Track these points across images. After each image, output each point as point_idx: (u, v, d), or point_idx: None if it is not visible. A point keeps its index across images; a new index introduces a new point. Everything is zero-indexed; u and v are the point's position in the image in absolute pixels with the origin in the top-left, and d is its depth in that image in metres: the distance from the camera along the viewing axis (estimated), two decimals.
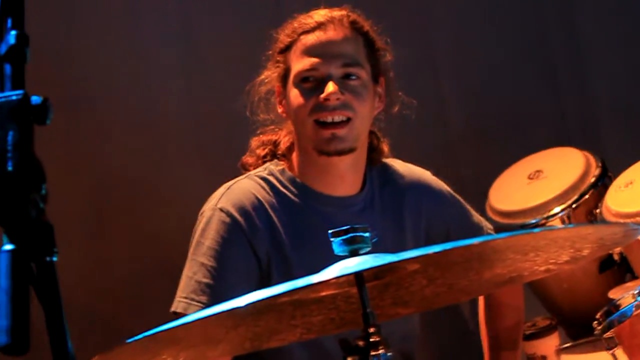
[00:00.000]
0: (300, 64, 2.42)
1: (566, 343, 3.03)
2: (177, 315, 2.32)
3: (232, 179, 2.51)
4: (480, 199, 3.28)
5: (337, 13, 2.47)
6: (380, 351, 1.65)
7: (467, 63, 4.00)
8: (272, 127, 2.56)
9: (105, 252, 3.22)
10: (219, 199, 2.44)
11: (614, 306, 2.33)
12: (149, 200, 3.31)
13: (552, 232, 1.95)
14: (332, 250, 1.70)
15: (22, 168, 1.15)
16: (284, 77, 2.46)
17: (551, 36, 4.16)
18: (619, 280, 3.10)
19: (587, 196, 3.15)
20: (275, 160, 2.53)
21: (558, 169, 3.27)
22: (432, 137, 3.80)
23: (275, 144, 2.55)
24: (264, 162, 2.54)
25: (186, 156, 3.40)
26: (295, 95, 2.42)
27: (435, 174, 2.70)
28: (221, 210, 2.41)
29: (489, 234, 2.69)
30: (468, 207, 2.70)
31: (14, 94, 1.18)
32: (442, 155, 3.84)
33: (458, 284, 1.87)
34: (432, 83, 3.93)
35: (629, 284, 2.93)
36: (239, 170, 2.58)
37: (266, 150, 2.55)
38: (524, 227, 3.15)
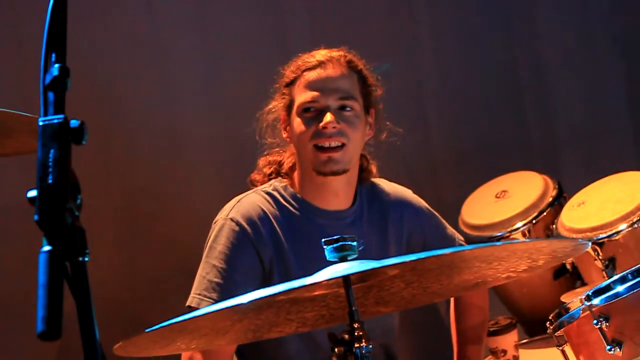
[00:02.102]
0: (302, 96, 2.42)
1: (524, 339, 3.02)
2: (191, 309, 2.29)
3: (242, 193, 2.51)
4: (455, 213, 3.28)
5: (335, 53, 2.47)
6: (363, 344, 1.65)
7: (449, 97, 4.00)
8: (277, 149, 2.56)
9: (131, 254, 3.21)
10: (230, 210, 2.44)
11: (564, 309, 2.32)
12: (171, 210, 3.29)
13: (512, 245, 1.95)
14: (324, 256, 1.70)
15: (61, 181, 1.15)
16: (289, 107, 2.46)
17: (520, 76, 4.16)
18: (571, 286, 3.10)
19: (545, 213, 3.15)
20: (279, 177, 2.53)
21: (521, 190, 3.27)
22: (415, 160, 3.80)
23: (280, 163, 2.55)
24: (270, 179, 2.54)
25: (204, 173, 3.39)
26: (298, 123, 2.42)
27: (417, 191, 2.70)
28: (232, 220, 2.40)
29: (460, 244, 2.68)
30: (443, 220, 2.69)
31: (56, 118, 1.18)
32: (424, 176, 3.84)
33: (431, 287, 1.86)
34: (418, 113, 3.92)
35: (578, 290, 2.92)
36: (248, 185, 2.58)
37: (272, 169, 2.55)
38: (491, 239, 3.15)
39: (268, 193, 2.47)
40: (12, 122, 1.94)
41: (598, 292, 2.23)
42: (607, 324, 2.20)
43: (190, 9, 3.48)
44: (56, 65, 1.22)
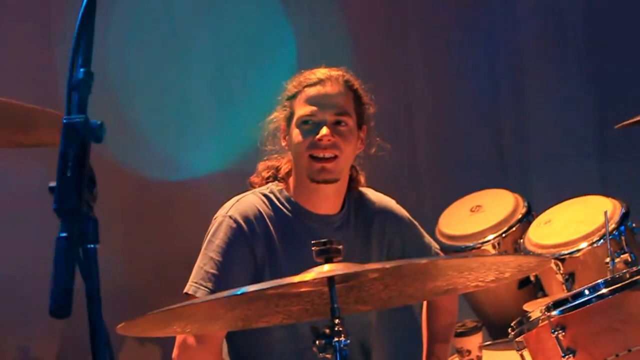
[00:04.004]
0: (302, 109, 2.42)
1: (487, 341, 3.03)
2: (188, 296, 2.31)
3: (242, 193, 2.51)
4: (434, 223, 3.29)
5: (334, 72, 2.47)
6: (342, 338, 1.65)
7: (435, 119, 4.01)
8: (276, 155, 2.54)
9: (138, 244, 3.20)
10: (230, 208, 2.43)
11: (525, 317, 2.32)
12: (176, 205, 3.29)
13: (482, 258, 1.95)
14: (312, 256, 1.71)
15: (79, 175, 1.15)
16: (289, 119, 2.45)
17: (500, 103, 4.18)
18: (533, 296, 3.11)
19: (514, 229, 3.16)
20: (276, 181, 2.52)
21: (494, 206, 3.28)
22: (401, 173, 3.81)
23: (277, 169, 2.54)
24: (267, 182, 2.53)
25: (208, 172, 3.39)
26: (296, 134, 2.41)
27: (401, 201, 2.70)
28: (230, 217, 2.40)
29: (436, 253, 2.68)
30: (422, 230, 2.69)
31: (78, 118, 1.19)
32: (409, 187, 3.85)
33: (407, 291, 1.86)
34: (407, 131, 3.93)
35: (540, 300, 2.93)
36: (247, 186, 2.58)
37: (269, 173, 2.54)
38: (465, 248, 3.16)
39: (265, 195, 2.47)
40: (38, 116, 1.93)
41: (557, 304, 2.24)
42: (564, 333, 2.21)
43: (207, 21, 3.48)
44: (82, 70, 1.22)
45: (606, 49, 4.40)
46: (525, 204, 3.26)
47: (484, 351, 2.83)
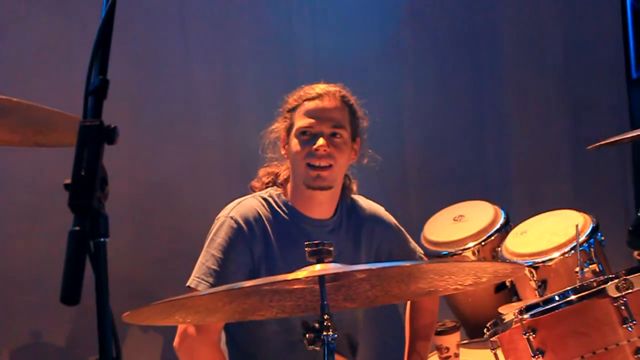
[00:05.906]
0: (301, 121, 2.43)
1: (464, 340, 3.03)
2: (190, 289, 2.32)
3: (243, 196, 2.52)
4: (419, 229, 3.28)
5: (332, 88, 2.48)
6: (330, 332, 1.65)
7: (424, 133, 4.01)
8: (276, 163, 2.56)
9: (145, 238, 3.18)
10: (231, 209, 2.44)
11: (500, 319, 2.32)
12: (182, 204, 3.27)
13: (462, 264, 1.95)
14: (306, 256, 1.71)
15: (92, 174, 1.15)
16: (289, 129, 2.47)
17: (484, 122, 4.19)
18: (508, 300, 3.10)
19: (492, 238, 3.15)
20: (275, 186, 2.53)
21: (475, 216, 3.27)
22: (391, 182, 3.80)
23: (277, 175, 2.55)
24: (267, 187, 2.54)
25: (212, 175, 3.38)
26: (295, 143, 2.42)
27: (390, 208, 2.70)
28: (231, 218, 2.41)
29: (420, 258, 2.69)
30: (408, 236, 2.69)
31: (93, 121, 1.18)
32: (398, 196, 3.84)
33: (392, 291, 1.87)
34: (397, 143, 3.93)
35: (514, 304, 2.92)
36: (248, 190, 2.58)
37: (269, 178, 2.55)
38: (447, 254, 3.15)
39: (264, 199, 2.48)
40: (57, 118, 1.94)
41: (529, 308, 2.23)
42: (534, 335, 2.21)
43: (218, 42, 3.48)
44: (99, 77, 1.22)
45: (582, 76, 4.42)
46: (504, 215, 3.25)
47: (461, 349, 2.83)
